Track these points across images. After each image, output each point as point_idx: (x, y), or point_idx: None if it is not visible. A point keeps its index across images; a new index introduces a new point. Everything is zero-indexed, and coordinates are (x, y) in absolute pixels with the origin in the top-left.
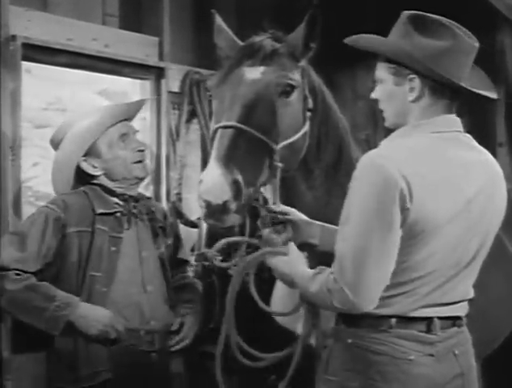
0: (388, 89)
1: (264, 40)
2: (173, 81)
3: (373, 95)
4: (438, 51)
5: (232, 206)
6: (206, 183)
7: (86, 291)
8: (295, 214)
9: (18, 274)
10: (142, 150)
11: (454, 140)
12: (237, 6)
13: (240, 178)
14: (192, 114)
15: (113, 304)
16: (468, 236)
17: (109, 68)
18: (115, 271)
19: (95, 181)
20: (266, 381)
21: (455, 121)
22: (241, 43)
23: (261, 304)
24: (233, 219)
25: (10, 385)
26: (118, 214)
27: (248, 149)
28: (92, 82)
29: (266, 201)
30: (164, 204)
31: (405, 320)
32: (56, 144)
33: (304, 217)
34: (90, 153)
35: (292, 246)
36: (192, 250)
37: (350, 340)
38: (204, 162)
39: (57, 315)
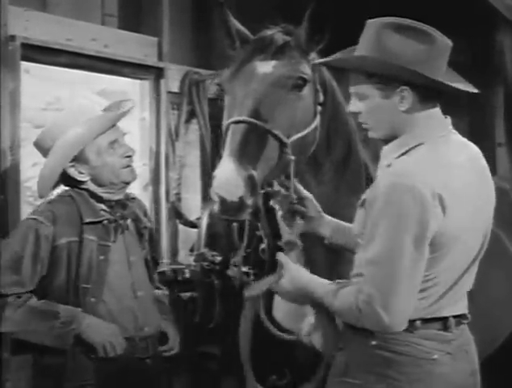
0: (374, 103)
1: (275, 33)
2: (172, 81)
3: (352, 109)
4: (422, 55)
5: (249, 202)
6: (220, 178)
7: (76, 302)
8: (311, 201)
9: (18, 296)
10: (130, 156)
11: (453, 141)
12: (237, 3)
13: (254, 173)
14: (191, 114)
15: (108, 313)
16: (478, 235)
17: (108, 68)
18: (104, 280)
19: (82, 186)
20: (267, 381)
21: (447, 121)
22: (251, 36)
23: (274, 330)
24: (247, 212)
25: (9, 385)
26: (105, 222)
27: (260, 143)
28: (91, 82)
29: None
30: (163, 205)
31: (425, 320)
32: (45, 150)
33: (318, 206)
34: (78, 159)
35: (287, 262)
36: (191, 250)
37: (373, 342)
38: (204, 163)
39: (64, 331)
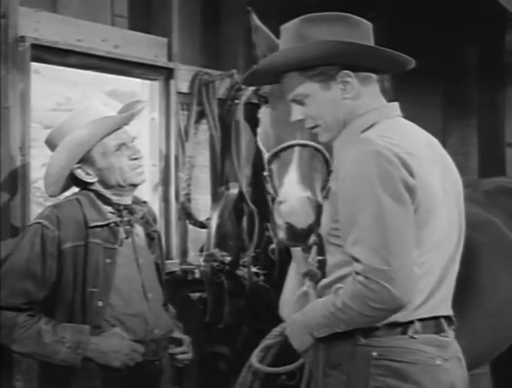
0: (317, 99)
1: None
2: (182, 81)
3: (295, 117)
4: (346, 36)
5: (316, 230)
6: (290, 204)
7: (82, 306)
8: None
9: (29, 315)
10: (137, 158)
11: (407, 122)
12: (245, 9)
13: (320, 201)
14: (201, 115)
15: (114, 316)
16: (454, 221)
17: (118, 69)
18: (111, 283)
19: (90, 187)
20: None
21: (396, 104)
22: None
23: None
24: (313, 239)
25: (20, 385)
26: (112, 225)
27: (322, 170)
28: (101, 82)
29: None
30: (173, 205)
31: (423, 321)
32: (53, 146)
33: None
34: (85, 160)
35: (287, 324)
36: (201, 250)
37: (374, 353)
38: (213, 163)
39: (71, 356)
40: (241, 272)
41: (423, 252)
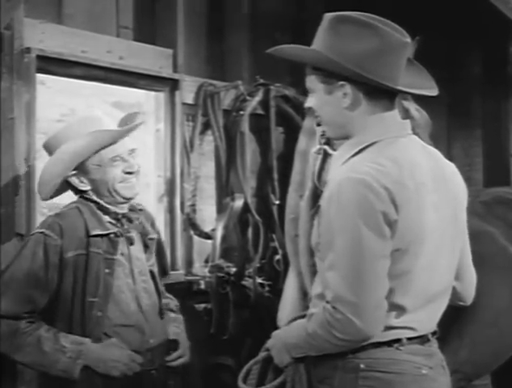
0: (321, 99)
1: None
2: (187, 92)
3: (307, 104)
4: (362, 54)
5: None
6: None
7: (81, 316)
8: None
9: (29, 322)
10: (131, 172)
11: (408, 142)
12: (250, 20)
13: None
14: (206, 125)
15: (112, 327)
16: (446, 242)
17: (123, 80)
18: (109, 293)
19: (85, 195)
20: None
21: (405, 123)
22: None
23: None
24: None
25: None
26: (112, 235)
27: None
28: (106, 93)
29: None
30: (178, 216)
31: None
32: (50, 152)
33: None
34: (79, 169)
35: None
36: (206, 261)
37: (362, 365)
38: (218, 174)
39: (71, 366)
40: (246, 282)
41: (407, 279)
